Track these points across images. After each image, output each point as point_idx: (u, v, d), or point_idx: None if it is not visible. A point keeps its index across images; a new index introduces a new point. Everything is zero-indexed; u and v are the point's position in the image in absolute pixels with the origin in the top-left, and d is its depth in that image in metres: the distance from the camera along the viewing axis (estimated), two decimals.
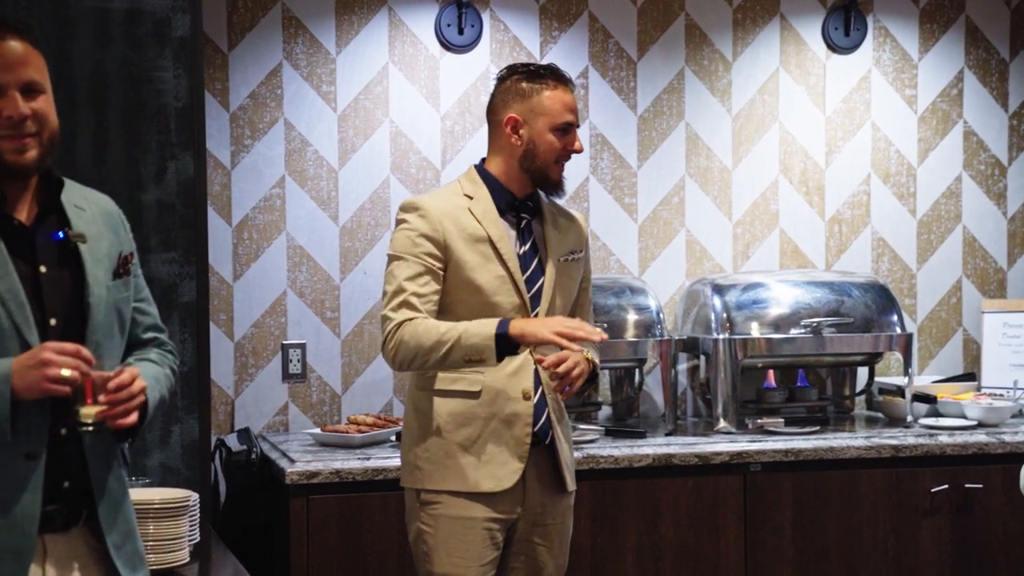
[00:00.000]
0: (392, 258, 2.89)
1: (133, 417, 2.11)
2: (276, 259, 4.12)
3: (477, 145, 4.18)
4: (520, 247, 2.93)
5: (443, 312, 2.87)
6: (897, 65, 4.56)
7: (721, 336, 3.99)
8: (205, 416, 3.48)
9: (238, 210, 4.09)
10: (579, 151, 2.95)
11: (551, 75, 2.93)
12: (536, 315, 2.88)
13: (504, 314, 2.85)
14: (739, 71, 4.44)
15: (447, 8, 4.19)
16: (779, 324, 4.03)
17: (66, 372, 2.02)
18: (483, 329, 2.75)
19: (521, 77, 2.93)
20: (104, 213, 2.29)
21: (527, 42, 4.27)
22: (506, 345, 2.74)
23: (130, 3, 3.39)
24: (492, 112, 2.97)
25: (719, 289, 4.08)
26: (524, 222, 2.95)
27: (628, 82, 4.36)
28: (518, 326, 2.74)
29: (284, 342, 4.12)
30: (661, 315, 4.02)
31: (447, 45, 4.20)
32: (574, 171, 4.30)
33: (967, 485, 3.84)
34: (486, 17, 4.24)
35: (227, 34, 4.08)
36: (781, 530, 3.75)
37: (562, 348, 2.72)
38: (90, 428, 2.07)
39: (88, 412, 2.07)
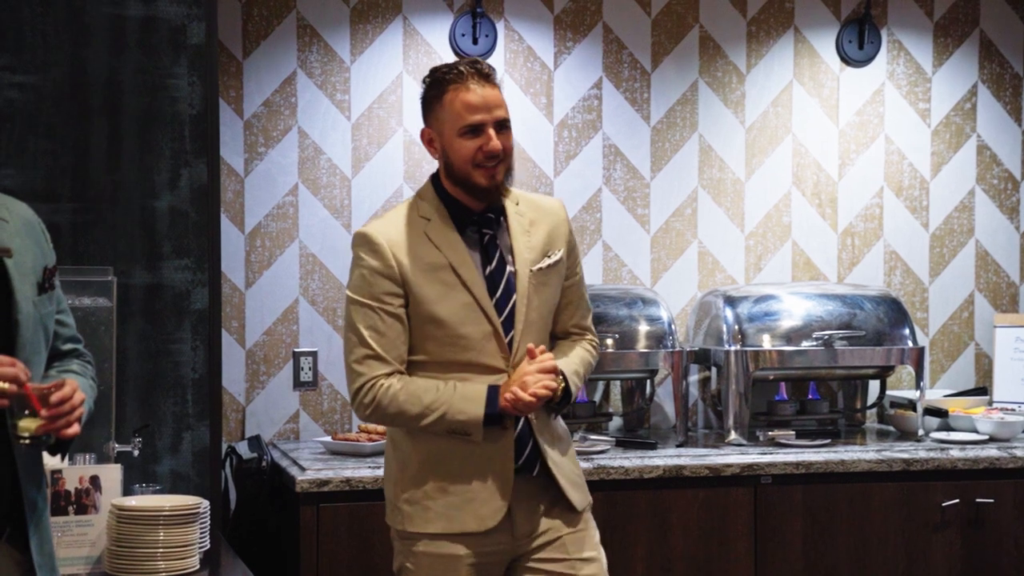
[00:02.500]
0: (349, 301, 2.71)
1: (76, 427, 2.12)
2: (288, 267, 4.12)
3: None
4: (487, 267, 2.71)
5: (412, 350, 2.70)
6: (911, 79, 4.55)
7: (733, 348, 3.99)
8: (216, 423, 3.49)
9: (251, 218, 4.10)
10: (495, 151, 2.65)
11: (451, 74, 2.67)
12: (511, 338, 2.70)
13: (474, 345, 2.68)
14: (753, 83, 4.44)
15: (462, 18, 4.20)
16: (791, 336, 4.03)
17: (3, 385, 2.01)
18: (470, 407, 2.63)
19: (427, 87, 2.72)
20: (26, 224, 2.24)
21: (541, 52, 4.28)
22: (495, 421, 2.64)
23: (145, 11, 3.40)
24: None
25: (731, 301, 4.07)
26: (487, 238, 2.72)
27: (642, 93, 4.36)
28: (507, 399, 2.61)
29: (296, 350, 4.12)
30: (673, 326, 4.01)
31: (461, 55, 4.21)
32: (587, 182, 4.31)
33: (978, 500, 3.83)
34: (500, 27, 4.24)
35: (242, 42, 4.09)
36: (791, 543, 3.74)
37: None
38: (27, 441, 2.07)
39: (27, 425, 2.06)
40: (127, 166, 3.39)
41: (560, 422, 2.84)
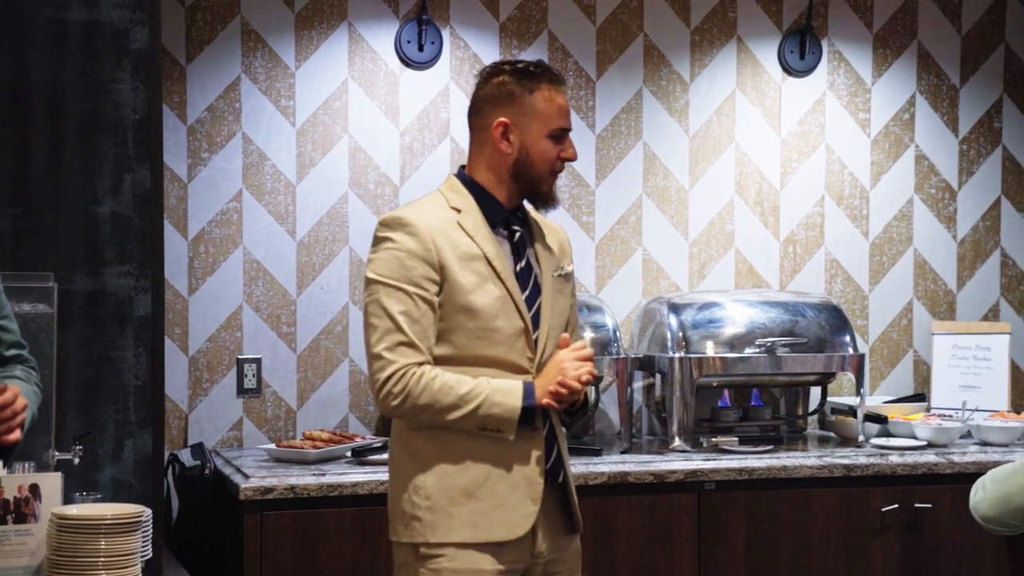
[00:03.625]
0: (377, 284, 2.57)
1: (18, 434, 2.10)
2: (232, 273, 4.10)
3: (436, 162, 4.19)
4: (516, 264, 2.66)
5: (437, 341, 2.59)
6: (851, 89, 4.62)
7: (677, 355, 4.02)
8: (158, 431, 3.46)
9: (194, 223, 4.07)
10: (573, 159, 2.68)
11: (545, 74, 2.64)
12: (536, 338, 2.63)
13: (505, 340, 2.59)
14: (696, 92, 4.48)
15: (407, 24, 4.20)
16: (734, 343, 4.06)
17: None
18: (507, 399, 2.53)
19: (511, 76, 2.63)
20: None
21: (487, 59, 4.28)
22: (530, 416, 2.56)
23: (88, 15, 3.37)
24: (477, 115, 2.67)
25: (675, 308, 4.10)
26: (518, 236, 2.68)
27: (587, 101, 4.38)
28: (542, 389, 2.56)
29: (239, 357, 4.10)
30: (618, 333, 4.04)
31: (407, 62, 4.21)
32: None
33: (917, 505, 3.88)
34: (446, 34, 4.25)
35: (185, 47, 4.06)
36: (734, 548, 3.78)
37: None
38: None
39: None
40: (69, 171, 3.36)
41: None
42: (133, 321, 3.41)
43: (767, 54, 4.53)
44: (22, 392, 2.18)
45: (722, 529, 3.77)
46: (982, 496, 2.72)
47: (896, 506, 3.87)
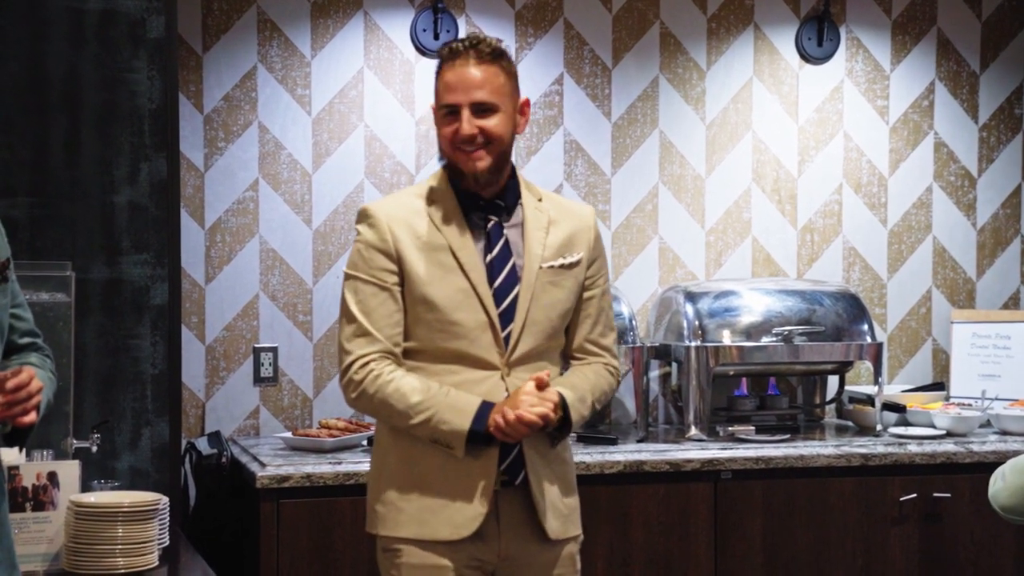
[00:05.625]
0: (346, 276, 2.60)
1: (33, 416, 2.11)
2: (249, 262, 4.10)
3: None
4: (487, 254, 2.58)
5: (405, 334, 2.57)
6: (869, 76, 4.59)
7: (693, 344, 4.01)
8: (175, 419, 3.47)
9: (211, 213, 4.08)
10: (463, 135, 2.52)
11: (443, 51, 2.57)
12: (508, 333, 2.55)
13: (467, 333, 2.53)
14: (713, 79, 4.46)
15: (423, 13, 4.19)
16: (751, 332, 4.05)
17: None
18: (457, 418, 2.47)
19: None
20: None
21: None
22: (480, 439, 2.48)
23: (104, 4, 3.38)
24: None
25: (691, 297, 4.09)
26: (491, 224, 2.60)
27: (603, 89, 4.37)
28: (494, 419, 2.45)
29: (256, 345, 4.11)
30: (634, 322, 4.03)
31: (422, 50, 4.20)
32: (549, 177, 4.32)
33: (935, 494, 3.87)
34: (462, 22, 4.24)
35: (202, 36, 4.06)
36: (751, 538, 3.77)
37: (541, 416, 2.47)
38: None
39: None
40: (86, 161, 3.37)
41: (567, 446, 2.68)
42: (150, 310, 3.42)
43: (784, 41, 4.51)
44: (40, 377, 2.20)
45: (739, 518, 3.76)
46: (1001, 485, 2.70)
47: (914, 495, 3.85)
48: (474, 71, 2.52)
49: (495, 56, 2.56)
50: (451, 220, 2.57)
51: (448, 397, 2.50)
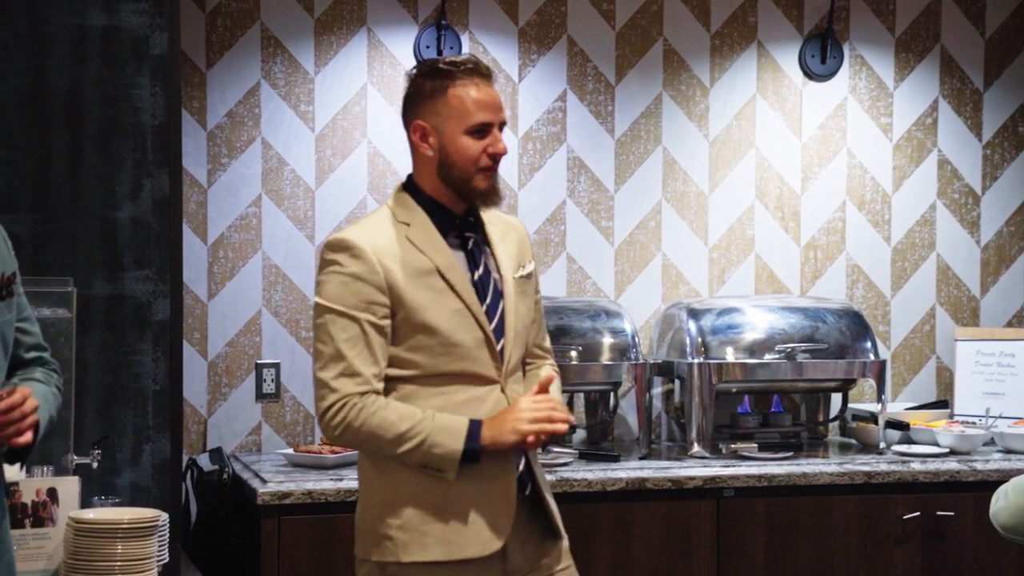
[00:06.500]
0: (323, 309, 2.47)
1: (27, 436, 2.09)
2: (251, 278, 4.11)
3: None
4: (473, 273, 2.56)
5: (400, 364, 2.51)
6: (873, 93, 4.59)
7: (696, 360, 4.00)
8: (177, 435, 3.47)
9: (214, 228, 4.08)
10: (500, 153, 2.53)
11: (458, 68, 2.51)
12: (501, 348, 2.55)
13: (468, 353, 2.51)
14: (716, 96, 4.46)
15: (426, 30, 4.20)
16: (754, 349, 4.04)
17: None
18: (448, 440, 2.44)
19: (426, 76, 2.53)
20: None
21: (506, 64, 4.28)
22: (473, 458, 2.46)
23: (107, 20, 3.39)
24: (403, 119, 2.59)
25: (694, 313, 4.08)
26: (471, 242, 2.58)
27: (606, 106, 4.37)
28: (489, 435, 2.45)
29: (258, 361, 4.10)
30: (636, 339, 4.02)
31: None
32: (552, 194, 4.32)
33: (939, 512, 3.85)
34: (465, 39, 4.25)
35: (205, 53, 4.07)
36: (754, 555, 3.75)
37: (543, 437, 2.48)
38: None
39: None
40: (88, 176, 3.37)
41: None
42: (152, 326, 3.42)
43: (788, 58, 4.51)
44: (40, 394, 2.19)
45: (741, 536, 3.75)
46: (1003, 504, 2.69)
47: (918, 514, 3.84)
48: (494, 92, 2.55)
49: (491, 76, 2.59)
50: (432, 242, 2.53)
51: (435, 421, 2.47)
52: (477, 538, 2.49)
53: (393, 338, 2.50)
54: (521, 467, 2.57)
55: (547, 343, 2.79)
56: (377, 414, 2.46)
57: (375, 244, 2.49)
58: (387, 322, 2.48)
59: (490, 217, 2.66)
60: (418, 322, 2.50)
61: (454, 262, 2.53)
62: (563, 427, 2.50)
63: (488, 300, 2.56)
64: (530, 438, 2.47)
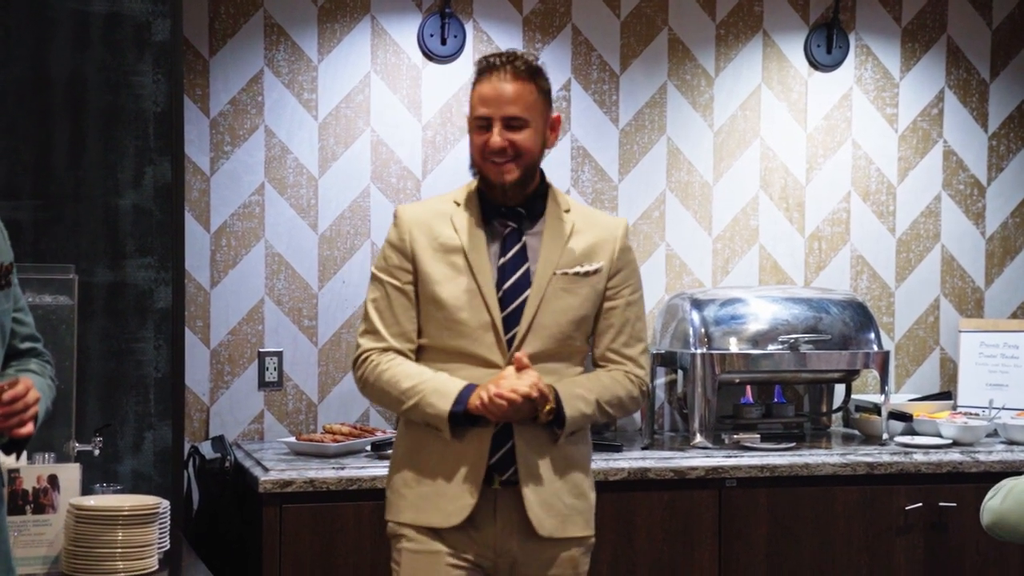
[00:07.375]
0: (371, 274, 2.76)
1: (30, 427, 2.10)
2: (254, 266, 4.10)
3: (459, 156, 4.18)
4: (500, 258, 2.67)
5: (420, 332, 2.70)
6: (878, 84, 4.57)
7: (699, 351, 3.99)
8: (179, 423, 3.46)
9: (216, 216, 4.07)
10: (493, 147, 2.62)
11: (480, 65, 2.69)
12: (513, 335, 2.64)
13: (470, 333, 2.63)
14: (721, 86, 4.45)
15: (430, 18, 4.19)
16: (757, 340, 4.03)
17: None
18: (440, 401, 2.58)
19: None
20: None
21: None
22: (466, 420, 2.57)
23: (110, 7, 3.38)
24: None
25: (698, 304, 4.08)
26: (509, 230, 2.70)
27: (610, 95, 4.36)
28: (477, 398, 2.55)
29: (261, 350, 4.10)
30: None
31: (430, 55, 4.20)
32: (556, 182, 4.26)
33: (941, 503, 3.84)
34: (469, 28, 4.23)
35: (208, 40, 4.06)
36: (755, 546, 3.75)
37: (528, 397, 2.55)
38: None
39: None
40: (90, 163, 3.37)
41: (580, 448, 2.72)
42: (154, 313, 3.41)
43: (793, 48, 4.49)
44: (36, 385, 2.19)
45: (743, 526, 3.74)
46: (994, 504, 2.65)
47: (920, 505, 3.83)
48: (508, 86, 2.63)
49: (530, 73, 2.66)
50: (471, 224, 2.68)
51: (434, 381, 2.62)
52: (441, 509, 2.63)
53: (416, 305, 2.70)
54: (502, 452, 2.62)
55: (629, 350, 2.76)
56: (389, 371, 2.66)
57: (415, 216, 2.71)
58: (410, 288, 2.69)
59: (571, 215, 2.73)
60: (429, 294, 2.67)
61: (481, 245, 2.67)
62: (510, 396, 2.52)
63: (508, 286, 2.66)
64: (476, 402, 2.56)
